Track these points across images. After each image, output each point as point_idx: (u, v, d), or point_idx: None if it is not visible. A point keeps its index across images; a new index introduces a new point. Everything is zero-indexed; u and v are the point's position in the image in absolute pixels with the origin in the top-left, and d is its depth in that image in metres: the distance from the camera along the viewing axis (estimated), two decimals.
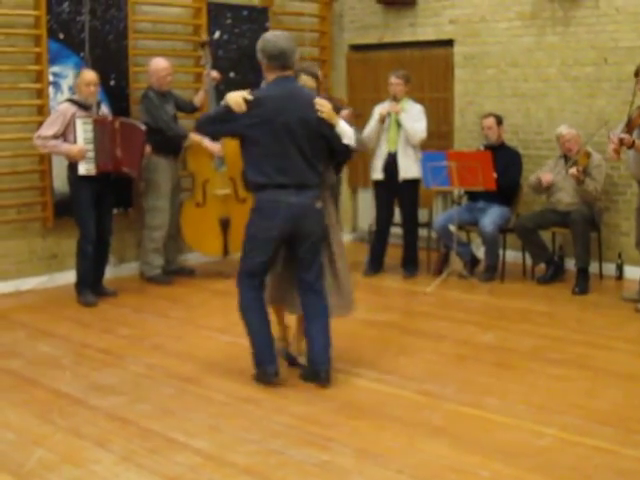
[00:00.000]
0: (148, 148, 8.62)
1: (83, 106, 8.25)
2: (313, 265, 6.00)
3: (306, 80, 6.34)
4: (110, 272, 9.14)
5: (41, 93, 8.69)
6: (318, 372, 6.00)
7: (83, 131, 8.17)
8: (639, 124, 7.83)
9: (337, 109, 8.91)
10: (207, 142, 9.09)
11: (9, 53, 8.61)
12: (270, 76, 5.92)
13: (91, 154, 8.21)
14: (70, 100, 8.34)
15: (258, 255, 5.94)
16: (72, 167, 8.27)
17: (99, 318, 7.87)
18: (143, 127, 8.42)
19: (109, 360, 6.65)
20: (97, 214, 8.40)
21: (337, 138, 5.98)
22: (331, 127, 5.93)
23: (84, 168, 8.19)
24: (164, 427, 5.30)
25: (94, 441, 5.10)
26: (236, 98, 5.80)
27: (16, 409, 5.63)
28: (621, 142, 7.77)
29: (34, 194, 8.84)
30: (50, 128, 8.17)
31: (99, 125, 8.25)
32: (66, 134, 8.18)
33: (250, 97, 5.80)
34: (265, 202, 5.89)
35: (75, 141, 8.14)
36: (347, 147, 6.06)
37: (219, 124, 5.97)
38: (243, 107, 5.77)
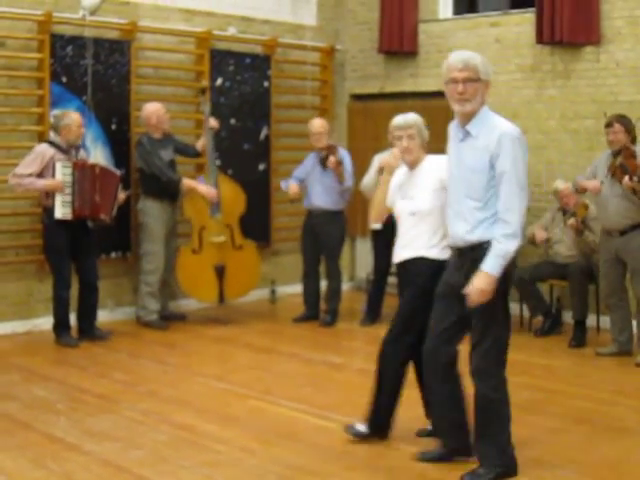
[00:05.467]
0: (123, 194, 8.55)
1: (62, 149, 8.23)
2: None
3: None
4: (107, 316, 9.16)
5: (42, 136, 8.68)
6: None
7: (62, 174, 8.12)
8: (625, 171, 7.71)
9: (326, 157, 9.03)
10: (201, 187, 9.10)
11: (11, 95, 8.67)
12: None
13: (68, 198, 8.16)
14: (49, 142, 8.29)
15: None
16: (48, 211, 8.22)
17: (95, 362, 7.84)
18: (118, 172, 8.49)
19: (104, 405, 6.61)
20: (77, 260, 8.39)
21: None
22: None
23: (60, 212, 8.13)
24: (157, 474, 5.26)
25: None
26: None
27: (10, 453, 5.58)
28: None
29: (33, 236, 8.82)
30: (27, 167, 8.08)
31: (79, 169, 8.23)
32: (43, 176, 8.11)
33: None
34: None
35: None
36: None
37: None
38: None
